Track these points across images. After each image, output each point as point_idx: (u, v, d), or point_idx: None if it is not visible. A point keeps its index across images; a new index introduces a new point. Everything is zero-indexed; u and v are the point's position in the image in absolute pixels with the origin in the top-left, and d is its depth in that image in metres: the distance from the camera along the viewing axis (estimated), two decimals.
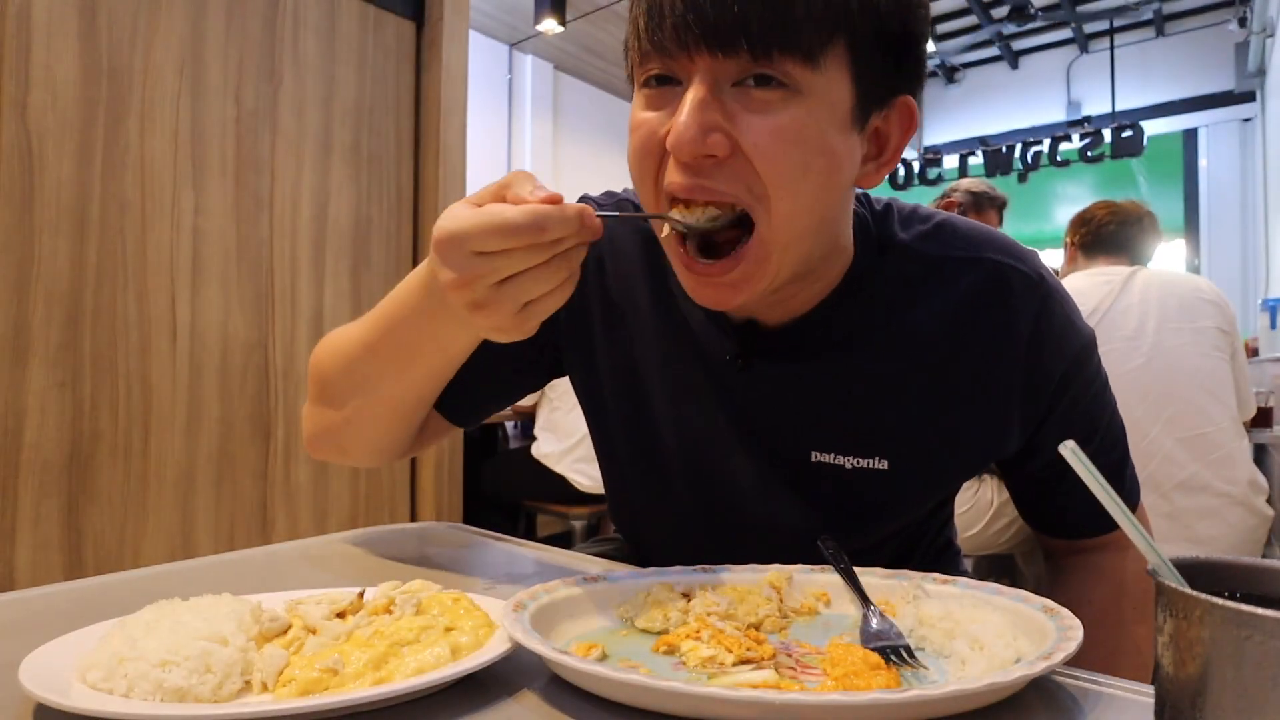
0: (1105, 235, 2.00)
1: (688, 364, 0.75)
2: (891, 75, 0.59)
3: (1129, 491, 0.79)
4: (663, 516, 0.83)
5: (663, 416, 0.78)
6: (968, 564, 1.00)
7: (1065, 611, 0.51)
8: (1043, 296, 0.70)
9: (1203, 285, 1.83)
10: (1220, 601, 0.32)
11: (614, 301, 0.78)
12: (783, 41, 0.53)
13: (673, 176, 0.58)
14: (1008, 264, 0.70)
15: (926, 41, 0.61)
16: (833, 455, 0.72)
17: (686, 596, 0.60)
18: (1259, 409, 2.09)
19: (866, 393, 0.71)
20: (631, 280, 0.78)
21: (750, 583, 0.63)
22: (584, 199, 0.85)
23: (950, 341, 0.70)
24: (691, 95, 0.55)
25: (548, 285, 0.53)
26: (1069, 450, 0.43)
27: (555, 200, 0.51)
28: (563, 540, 2.72)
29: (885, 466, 0.71)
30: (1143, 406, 1.70)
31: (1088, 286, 1.86)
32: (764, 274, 0.60)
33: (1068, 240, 2.12)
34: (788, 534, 0.74)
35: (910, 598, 0.60)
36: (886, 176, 0.65)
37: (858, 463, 0.71)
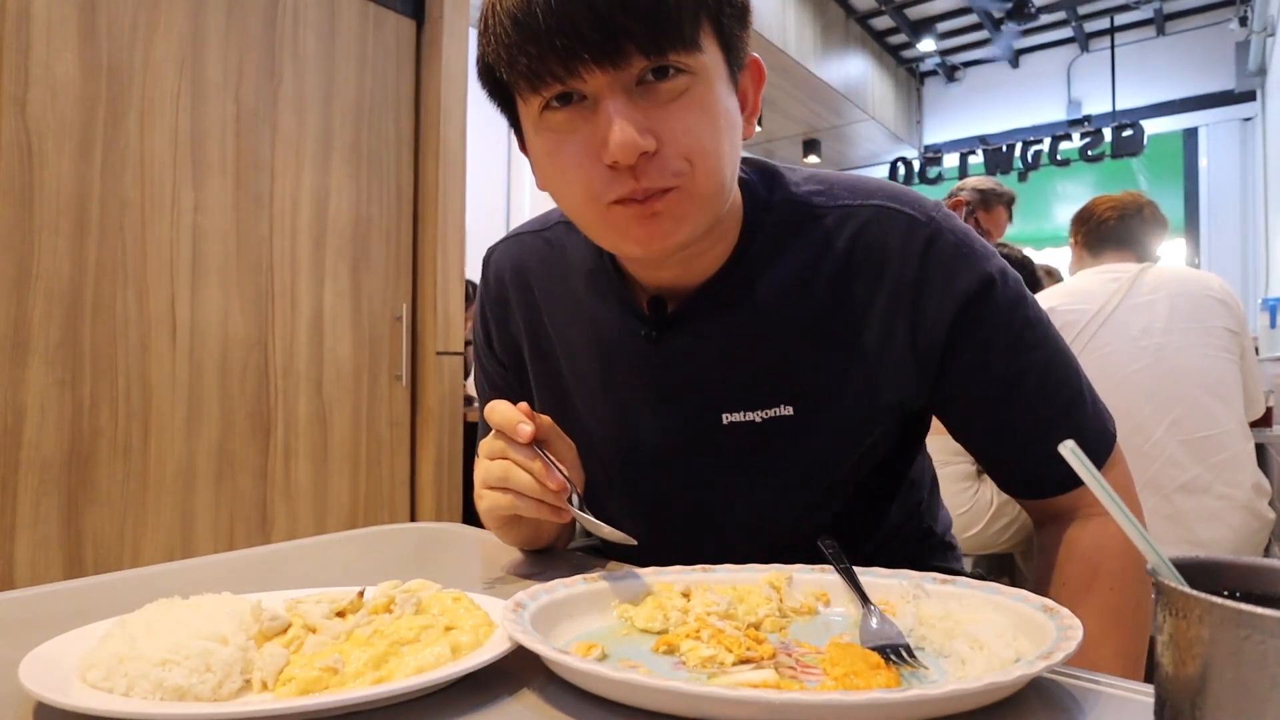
0: (1107, 231, 1.97)
1: (601, 353, 0.79)
2: (742, 38, 0.65)
3: (1091, 442, 0.74)
4: (613, 504, 0.86)
5: (587, 408, 0.82)
6: (966, 563, 1.00)
7: (1065, 611, 0.51)
8: (928, 237, 0.70)
9: (1213, 284, 1.80)
10: (1220, 601, 0.32)
11: (534, 322, 0.85)
12: (670, 39, 0.58)
13: (620, 186, 0.61)
14: (892, 208, 0.72)
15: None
16: (743, 413, 0.74)
17: (686, 596, 0.60)
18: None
19: (766, 344, 0.73)
20: (535, 300, 0.84)
21: (749, 582, 0.63)
22: (521, 230, 0.90)
23: (836, 286, 0.72)
24: (613, 105, 0.59)
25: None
26: (1068, 450, 0.42)
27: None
28: None
29: (791, 412, 0.73)
30: (1148, 408, 1.68)
31: (1095, 285, 1.83)
32: (691, 214, 0.64)
33: (1071, 240, 2.09)
34: (711, 495, 0.78)
35: (910, 597, 0.60)
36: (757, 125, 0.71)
37: (766, 414, 0.74)
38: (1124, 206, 1.97)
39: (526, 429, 0.66)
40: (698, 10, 0.60)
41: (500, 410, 0.68)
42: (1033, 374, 0.72)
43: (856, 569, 0.63)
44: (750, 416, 0.74)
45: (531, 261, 0.85)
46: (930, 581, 0.61)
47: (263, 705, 0.42)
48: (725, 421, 0.75)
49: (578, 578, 0.61)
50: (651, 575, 0.63)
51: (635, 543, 0.65)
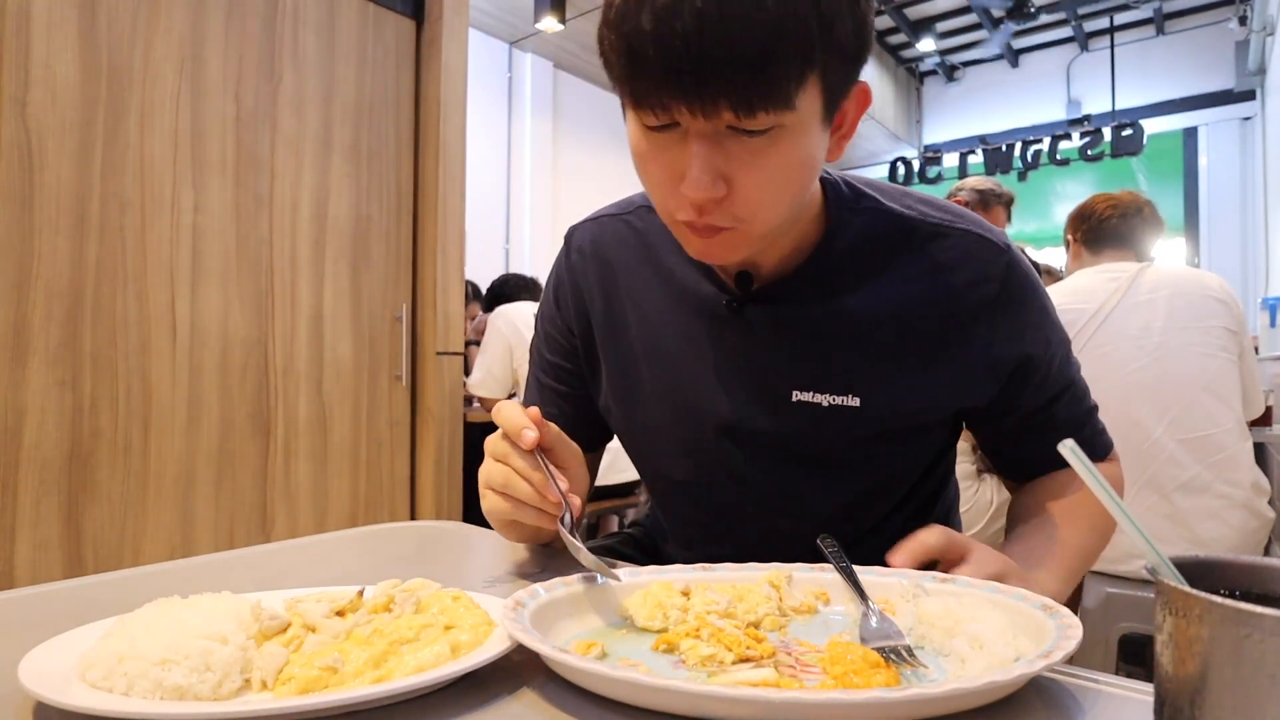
0: (1108, 229, 1.96)
1: (684, 319, 0.83)
2: (851, 76, 0.65)
3: (1102, 444, 0.87)
4: (679, 477, 0.89)
5: (659, 378, 0.85)
6: None
7: (1064, 610, 0.51)
8: (1008, 264, 0.77)
9: (1212, 283, 1.79)
10: (1219, 600, 0.32)
11: (610, 296, 0.88)
12: (764, 100, 0.58)
13: (685, 213, 0.65)
14: (978, 233, 0.78)
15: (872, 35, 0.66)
16: (811, 394, 0.78)
17: (685, 595, 0.60)
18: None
19: (842, 336, 0.77)
20: (614, 278, 0.88)
21: (749, 580, 0.63)
22: (601, 213, 0.93)
23: (921, 296, 0.77)
24: (697, 149, 0.61)
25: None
26: (1068, 449, 0.43)
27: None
28: None
29: (857, 404, 0.77)
30: (1146, 407, 1.68)
31: (1095, 284, 1.83)
32: (744, 248, 0.69)
33: (1069, 237, 2.07)
34: (768, 469, 0.82)
35: (910, 596, 0.60)
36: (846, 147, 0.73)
37: (833, 400, 0.78)
38: (1124, 205, 1.97)
39: (530, 435, 0.67)
40: (803, 69, 0.58)
41: (507, 412, 0.69)
42: (1071, 387, 0.84)
43: (856, 568, 0.63)
44: (818, 399, 0.78)
45: (611, 241, 0.90)
46: (930, 580, 0.61)
47: (262, 705, 0.42)
48: (794, 399, 0.78)
49: (576, 576, 0.61)
50: (651, 574, 0.64)
51: (620, 579, 0.63)
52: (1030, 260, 0.80)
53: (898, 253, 0.77)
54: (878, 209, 0.79)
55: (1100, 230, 1.97)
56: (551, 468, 0.68)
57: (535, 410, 0.69)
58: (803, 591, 0.63)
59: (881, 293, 0.77)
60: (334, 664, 0.45)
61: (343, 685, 0.44)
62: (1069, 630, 0.48)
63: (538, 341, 0.98)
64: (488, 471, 0.71)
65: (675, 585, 0.61)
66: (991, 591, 0.57)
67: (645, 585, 0.61)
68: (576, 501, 0.69)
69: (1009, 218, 2.89)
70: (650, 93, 0.59)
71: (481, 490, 0.73)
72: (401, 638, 0.48)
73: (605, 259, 0.89)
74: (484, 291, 4.08)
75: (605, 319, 0.89)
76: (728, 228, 0.65)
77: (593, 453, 0.98)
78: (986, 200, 2.80)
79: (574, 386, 0.93)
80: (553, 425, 0.71)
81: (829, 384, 0.77)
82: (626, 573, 0.64)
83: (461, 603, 0.54)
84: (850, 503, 0.83)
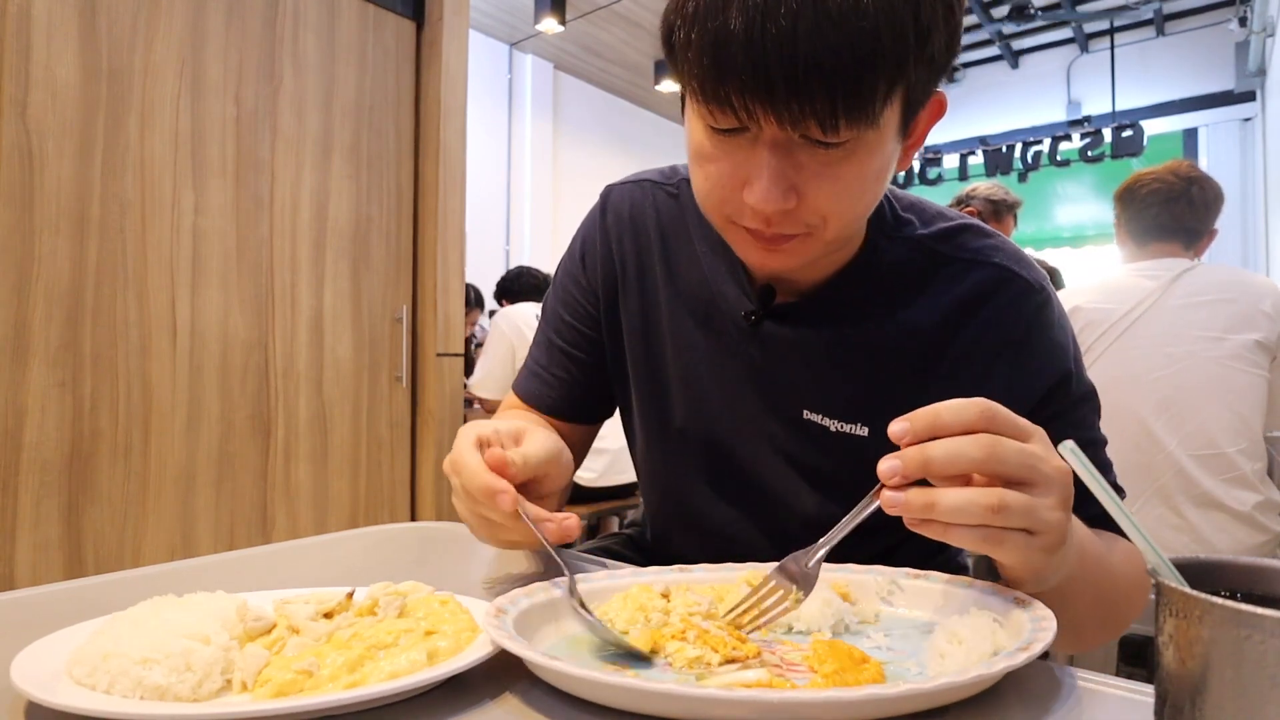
0: (1150, 219, 1.77)
1: (704, 320, 0.81)
2: (933, 88, 0.63)
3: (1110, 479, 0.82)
4: (689, 478, 0.87)
5: (674, 368, 0.84)
6: (968, 562, 1.00)
7: (1037, 602, 0.52)
8: (1039, 305, 0.74)
9: (1266, 298, 1.64)
10: (1220, 601, 0.32)
11: (643, 268, 0.86)
12: (853, 116, 0.55)
13: (750, 221, 0.63)
14: (1012, 270, 0.75)
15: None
16: (820, 416, 0.77)
17: (665, 597, 0.59)
18: None
19: (858, 364, 0.76)
20: (650, 250, 0.86)
21: (727, 581, 0.63)
22: (643, 177, 0.89)
23: (945, 333, 0.74)
24: (769, 159, 0.58)
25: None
26: (1068, 450, 0.43)
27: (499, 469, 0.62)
28: None
29: (865, 434, 0.75)
30: (1163, 418, 1.62)
31: (1131, 283, 1.72)
32: (810, 253, 0.66)
33: (1115, 220, 1.89)
34: (773, 483, 0.80)
35: (885, 593, 0.60)
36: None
37: (841, 427, 0.76)
38: (1167, 189, 1.76)
39: (507, 501, 0.60)
40: (894, 83, 0.56)
41: (471, 470, 0.62)
42: (1090, 430, 0.77)
43: (830, 565, 0.62)
44: (826, 422, 0.76)
45: (650, 210, 0.86)
46: (904, 577, 0.61)
47: (233, 707, 0.42)
48: (804, 417, 0.77)
49: (554, 581, 0.61)
50: (629, 577, 0.63)
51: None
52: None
53: (927, 284, 0.75)
54: (914, 240, 0.76)
55: (1143, 220, 1.79)
56: (531, 512, 0.61)
57: (497, 454, 0.63)
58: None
59: (904, 324, 0.75)
60: (309, 668, 0.45)
61: (317, 689, 0.44)
62: (1043, 623, 0.49)
63: (555, 299, 0.93)
64: (461, 507, 0.65)
65: (654, 587, 0.61)
66: (965, 587, 0.58)
67: (625, 588, 0.61)
68: (573, 524, 0.63)
69: (1016, 222, 2.90)
70: (730, 96, 0.55)
71: (455, 493, 0.67)
72: (380, 642, 0.48)
73: (643, 228, 0.86)
74: (488, 291, 4.09)
75: (638, 293, 0.86)
76: (796, 235, 0.63)
77: (592, 425, 0.95)
78: (999, 211, 2.82)
79: (588, 353, 0.90)
80: (527, 458, 0.65)
81: (838, 410, 0.76)
82: (605, 575, 0.63)
83: (449, 607, 0.53)
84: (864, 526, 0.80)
